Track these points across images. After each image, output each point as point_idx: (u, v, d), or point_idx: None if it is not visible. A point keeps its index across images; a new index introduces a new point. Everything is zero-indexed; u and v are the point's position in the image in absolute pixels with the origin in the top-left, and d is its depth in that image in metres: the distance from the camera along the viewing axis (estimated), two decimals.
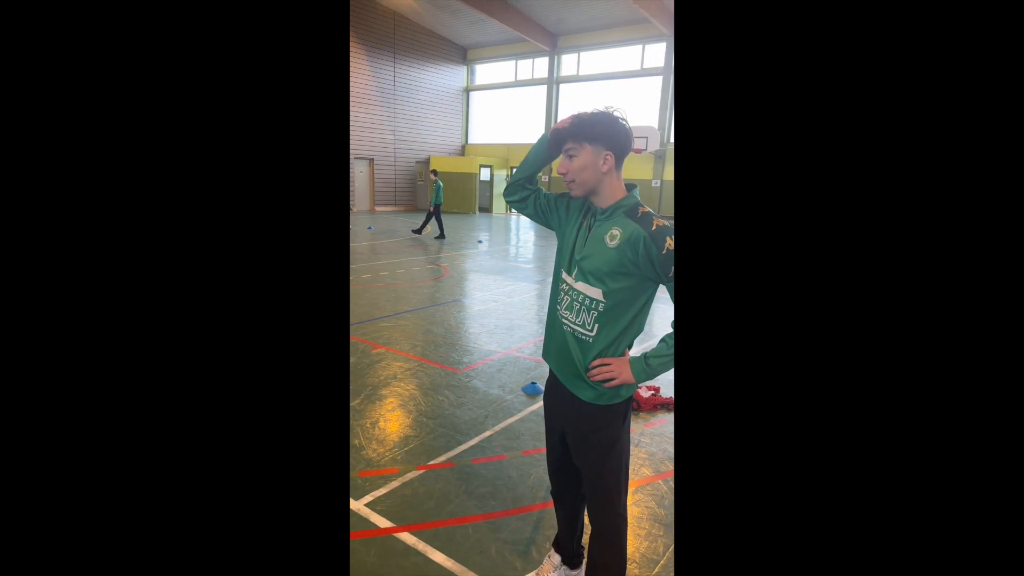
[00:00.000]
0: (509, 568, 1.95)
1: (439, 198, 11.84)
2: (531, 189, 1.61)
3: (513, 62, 20.34)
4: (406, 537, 2.10)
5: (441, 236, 11.80)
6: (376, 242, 11.00)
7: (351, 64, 17.31)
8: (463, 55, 21.12)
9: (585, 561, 1.77)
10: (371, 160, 18.67)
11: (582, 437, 1.53)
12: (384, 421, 3.14)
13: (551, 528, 2.15)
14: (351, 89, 17.42)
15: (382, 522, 2.18)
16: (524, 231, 14.48)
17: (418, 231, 12.01)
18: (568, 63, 19.19)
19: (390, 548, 2.04)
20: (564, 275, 1.51)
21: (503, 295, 6.55)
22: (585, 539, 1.86)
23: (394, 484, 2.47)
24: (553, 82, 19.33)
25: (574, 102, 18.85)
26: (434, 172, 12.22)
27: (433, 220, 12.10)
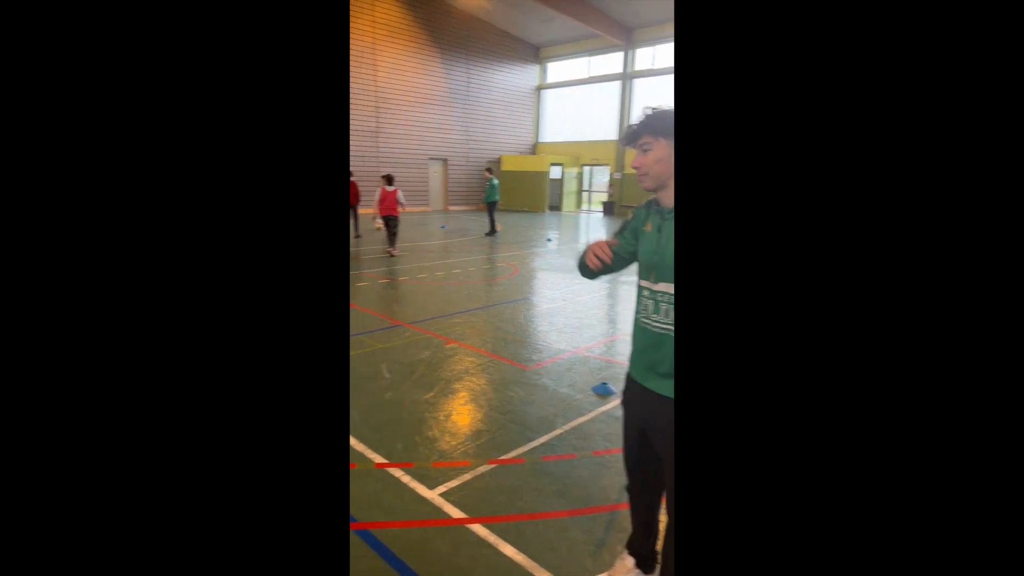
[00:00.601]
0: (579, 568, 1.94)
1: (492, 196, 11.99)
2: (611, 268, 1.60)
3: (586, 58, 20.14)
4: (478, 529, 2.14)
5: (491, 232, 11.99)
6: (449, 241, 11.29)
7: (426, 67, 17.85)
8: (535, 53, 21.16)
9: (659, 566, 1.73)
10: (445, 160, 19.16)
11: (665, 431, 1.50)
12: (456, 414, 3.22)
13: (622, 531, 2.12)
14: (426, 92, 17.96)
15: (455, 512, 2.25)
16: (594, 230, 14.31)
17: (491, 232, 12.22)
18: (642, 57, 18.72)
19: (463, 538, 2.09)
20: (644, 283, 1.52)
21: (572, 294, 6.51)
22: (659, 544, 1.81)
23: (466, 476, 2.53)
24: (627, 77, 18.94)
25: (648, 97, 18.36)
26: (488, 170, 12.54)
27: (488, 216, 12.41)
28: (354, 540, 2.07)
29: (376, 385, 3.59)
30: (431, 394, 3.47)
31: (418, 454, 2.73)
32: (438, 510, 2.26)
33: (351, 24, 15.75)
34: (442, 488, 2.42)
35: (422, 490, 2.40)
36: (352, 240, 10.69)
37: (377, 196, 8.94)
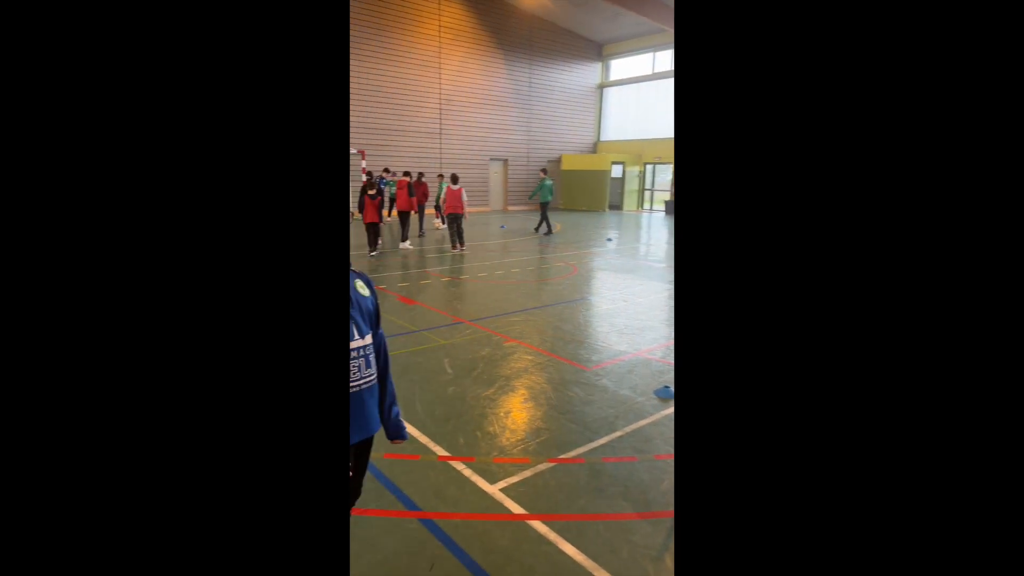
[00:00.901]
0: (641, 572, 1.92)
1: (545, 195, 12.05)
2: None
3: (651, 54, 19.68)
4: (538, 525, 2.17)
5: (547, 232, 12.08)
6: (508, 240, 11.38)
7: (488, 68, 18.07)
8: (598, 51, 20.93)
9: None
10: (505, 161, 19.33)
11: None
12: (516, 412, 3.26)
13: None
14: (488, 93, 18.17)
15: (515, 508, 2.28)
16: (656, 230, 13.98)
17: (548, 232, 12.26)
18: None
19: (523, 534, 2.12)
20: None
21: (632, 295, 6.41)
22: None
23: (526, 473, 2.56)
24: None
25: None
26: (544, 171, 12.68)
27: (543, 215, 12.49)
28: (419, 528, 2.15)
29: (439, 380, 3.70)
30: (491, 390, 3.53)
31: (479, 449, 2.79)
32: (499, 504, 2.31)
33: (418, 29, 16.21)
34: (502, 483, 2.46)
35: (483, 484, 2.46)
36: (416, 238, 11.12)
37: (442, 194, 9.22)
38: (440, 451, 2.76)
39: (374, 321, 1.58)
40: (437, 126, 17.30)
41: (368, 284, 1.59)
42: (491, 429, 3.01)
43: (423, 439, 2.87)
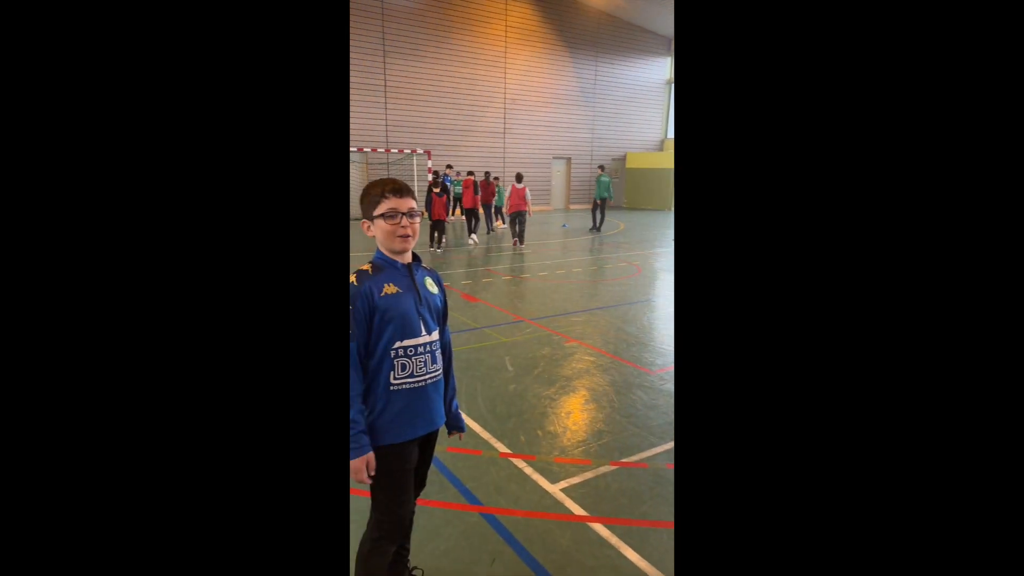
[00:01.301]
0: None
1: (601, 192, 12.13)
2: None
3: None
4: (599, 528, 2.14)
5: (595, 228, 12.19)
6: (569, 239, 11.31)
7: (554, 67, 18.01)
8: (667, 46, 20.35)
9: None
10: (568, 159, 19.21)
11: None
12: (578, 412, 3.24)
13: None
14: (553, 91, 18.11)
15: (576, 509, 2.27)
16: None
17: (596, 227, 12.39)
18: None
19: (584, 536, 2.10)
20: None
21: None
22: None
23: (588, 475, 2.54)
24: None
25: None
26: (601, 167, 12.82)
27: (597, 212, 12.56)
28: (480, 522, 2.18)
29: (500, 377, 3.74)
30: (552, 390, 3.53)
31: (540, 448, 2.79)
32: (560, 504, 2.30)
33: (485, 31, 16.42)
34: (563, 484, 2.46)
35: (544, 483, 2.46)
36: (486, 236, 11.41)
37: (507, 193, 9.62)
38: (501, 447, 2.78)
39: (442, 318, 1.62)
40: (501, 126, 17.45)
41: (437, 281, 1.62)
42: (552, 428, 3.01)
43: (485, 435, 2.91)
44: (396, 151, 15.05)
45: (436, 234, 9.22)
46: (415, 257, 1.55)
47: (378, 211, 1.44)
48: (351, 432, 1.39)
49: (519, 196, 9.62)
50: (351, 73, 14.34)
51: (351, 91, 14.44)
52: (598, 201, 12.20)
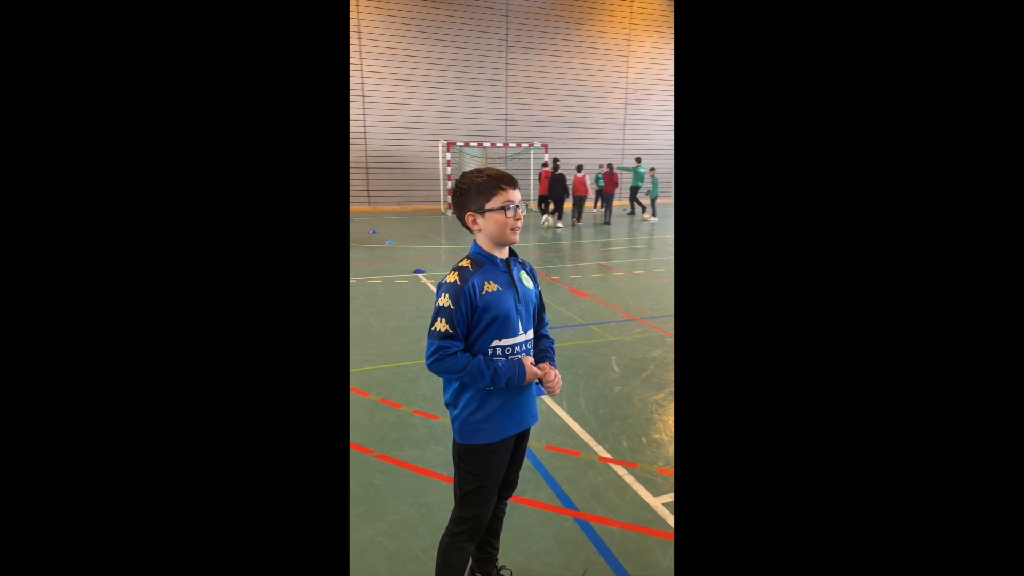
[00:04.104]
0: None
1: (636, 181, 13.04)
2: None
3: None
4: None
5: (634, 213, 13.35)
6: (654, 237, 10.68)
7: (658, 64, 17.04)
8: None
9: None
10: None
11: None
12: None
13: None
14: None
15: None
16: None
17: (630, 212, 13.19)
18: None
19: None
20: None
21: None
22: None
23: None
24: None
25: None
26: (637, 159, 13.42)
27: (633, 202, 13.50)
28: (573, 527, 2.10)
29: (605, 377, 3.60)
30: (661, 395, 3.32)
31: (644, 456, 2.63)
32: (661, 520, 2.14)
33: (608, 19, 16.00)
34: (666, 498, 2.29)
35: (645, 495, 2.31)
36: (603, 225, 12.07)
37: (571, 182, 11.48)
38: (601, 451, 2.67)
39: (538, 311, 1.58)
40: (622, 116, 16.94)
41: (532, 275, 1.58)
42: (658, 437, 2.82)
43: (585, 436, 2.81)
44: (514, 145, 15.27)
45: (576, 211, 11.44)
46: (511, 252, 1.51)
47: (493, 203, 1.40)
48: (498, 368, 1.40)
49: (581, 183, 11.50)
50: (473, 70, 14.88)
51: (473, 88, 15.04)
52: (631, 189, 13.18)
